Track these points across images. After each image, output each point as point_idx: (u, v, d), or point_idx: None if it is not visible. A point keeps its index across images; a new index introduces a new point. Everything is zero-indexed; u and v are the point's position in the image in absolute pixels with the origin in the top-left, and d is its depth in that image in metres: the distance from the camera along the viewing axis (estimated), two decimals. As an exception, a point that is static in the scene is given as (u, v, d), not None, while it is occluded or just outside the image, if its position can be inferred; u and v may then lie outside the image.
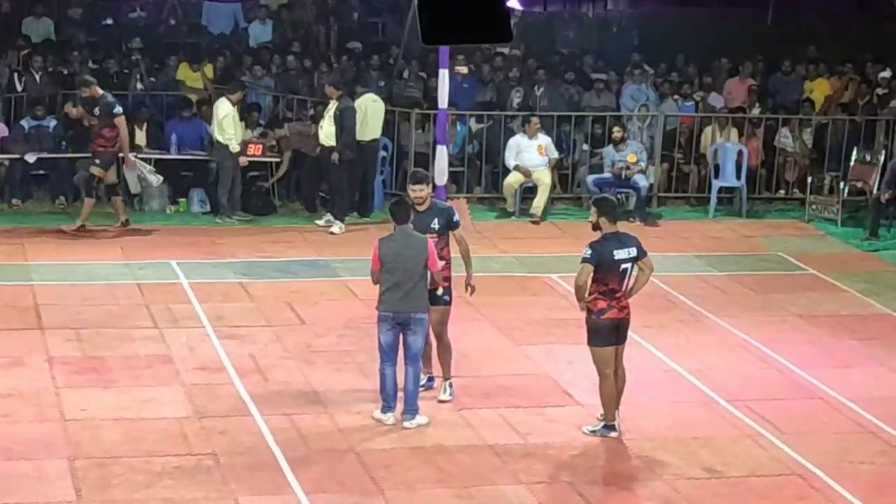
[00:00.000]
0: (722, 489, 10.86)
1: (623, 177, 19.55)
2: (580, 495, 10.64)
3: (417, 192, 12.19)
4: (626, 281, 11.55)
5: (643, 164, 19.87)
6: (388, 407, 11.84)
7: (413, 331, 11.66)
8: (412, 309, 11.61)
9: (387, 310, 11.66)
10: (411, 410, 11.81)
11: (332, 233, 18.47)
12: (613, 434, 11.73)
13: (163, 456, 10.99)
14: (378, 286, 11.76)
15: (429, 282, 11.72)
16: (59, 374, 12.77)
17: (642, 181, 19.63)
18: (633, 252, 11.59)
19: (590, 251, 11.43)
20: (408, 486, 10.67)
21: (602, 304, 11.50)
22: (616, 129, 19.95)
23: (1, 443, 11.13)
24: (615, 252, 11.47)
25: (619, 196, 19.48)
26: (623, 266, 11.50)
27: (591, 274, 11.42)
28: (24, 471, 10.65)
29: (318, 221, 18.86)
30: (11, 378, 12.62)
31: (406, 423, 11.78)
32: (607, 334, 11.57)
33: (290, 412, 12.01)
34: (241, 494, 10.40)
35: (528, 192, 19.97)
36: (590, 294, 11.50)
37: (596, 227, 11.65)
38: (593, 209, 11.75)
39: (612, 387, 11.67)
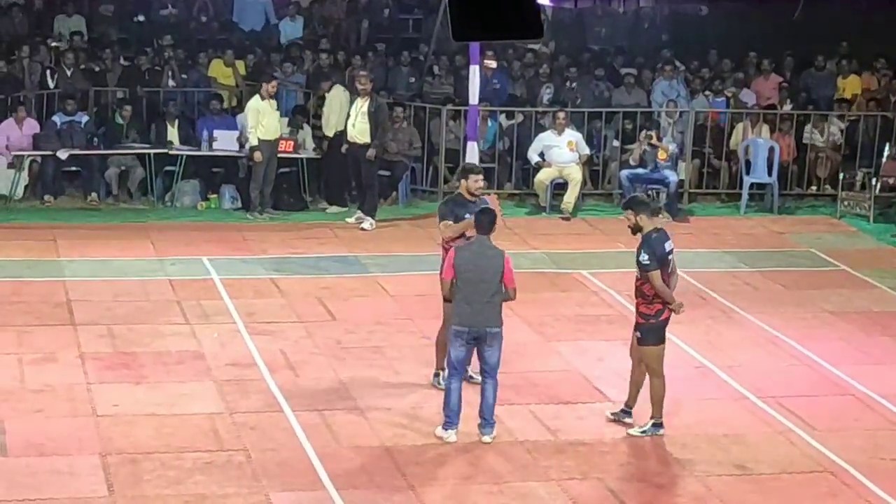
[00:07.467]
0: (753, 486, 10.84)
1: (656, 165, 19.54)
2: (611, 492, 10.63)
3: (480, 181, 12.51)
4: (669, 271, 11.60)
5: (672, 147, 19.79)
6: (450, 423, 11.42)
7: (489, 344, 11.27)
8: (487, 323, 11.22)
9: (461, 323, 11.25)
10: (490, 423, 11.45)
11: (363, 229, 18.48)
12: (662, 432, 11.70)
13: (194, 452, 11.03)
14: (451, 298, 11.40)
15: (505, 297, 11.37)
16: (91, 369, 12.82)
17: (672, 177, 19.58)
18: (672, 244, 11.64)
19: (647, 257, 11.35)
20: (439, 481, 10.67)
21: (658, 305, 11.50)
22: (648, 133, 19.76)
23: (33, 438, 11.18)
24: (665, 244, 11.51)
25: (649, 192, 19.48)
26: (671, 257, 11.57)
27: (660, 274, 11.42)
28: (57, 466, 10.69)
29: (348, 219, 18.87)
30: (44, 374, 12.67)
31: (485, 438, 11.40)
32: (663, 333, 11.64)
33: (321, 408, 12.02)
34: (273, 490, 10.42)
35: (559, 188, 19.93)
36: (648, 295, 11.49)
37: (636, 228, 11.49)
38: (628, 212, 11.56)
39: (664, 386, 11.63)
